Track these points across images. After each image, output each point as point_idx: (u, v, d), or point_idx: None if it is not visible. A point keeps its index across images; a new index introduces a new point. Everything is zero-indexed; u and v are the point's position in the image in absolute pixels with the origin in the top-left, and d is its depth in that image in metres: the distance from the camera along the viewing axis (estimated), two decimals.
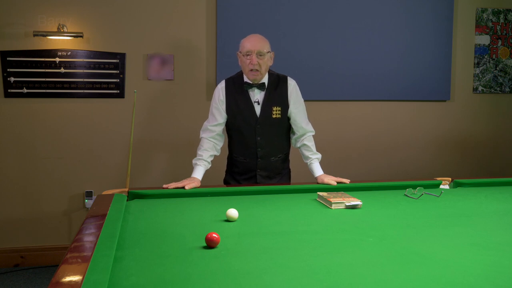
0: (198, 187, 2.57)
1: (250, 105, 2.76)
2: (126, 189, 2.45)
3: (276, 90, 2.78)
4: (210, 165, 2.79)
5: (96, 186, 3.91)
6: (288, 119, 2.84)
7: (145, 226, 1.89)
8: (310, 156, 2.86)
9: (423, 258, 1.52)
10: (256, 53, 2.66)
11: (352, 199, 2.24)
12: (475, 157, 4.50)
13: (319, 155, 2.89)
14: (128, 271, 1.39)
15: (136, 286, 1.30)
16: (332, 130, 4.23)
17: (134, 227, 1.87)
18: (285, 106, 2.79)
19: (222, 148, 2.90)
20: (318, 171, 2.81)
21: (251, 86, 2.75)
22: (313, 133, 2.93)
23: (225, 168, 3.04)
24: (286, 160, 2.97)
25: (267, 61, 2.73)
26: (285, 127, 2.86)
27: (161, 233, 1.80)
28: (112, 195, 2.32)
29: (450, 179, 2.77)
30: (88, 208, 3.87)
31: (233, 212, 1.97)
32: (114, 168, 3.91)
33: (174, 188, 2.52)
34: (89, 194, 3.90)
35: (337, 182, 2.68)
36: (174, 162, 4.01)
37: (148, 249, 1.61)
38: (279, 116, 2.77)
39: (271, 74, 2.81)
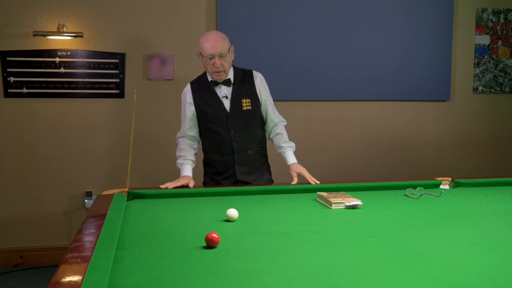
0: (200, 187, 2.58)
1: (218, 100, 2.74)
2: (126, 189, 2.45)
3: (243, 84, 2.77)
4: (194, 164, 2.81)
5: (96, 186, 3.91)
6: (260, 111, 2.83)
7: (145, 226, 1.89)
8: (282, 145, 2.85)
9: (423, 258, 1.52)
10: (218, 55, 2.61)
11: (352, 199, 2.23)
12: (475, 157, 4.50)
13: (292, 144, 2.87)
14: (128, 271, 1.39)
15: (136, 286, 1.29)
16: (332, 130, 4.23)
17: (134, 227, 1.87)
18: (254, 98, 2.78)
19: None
20: (290, 159, 2.80)
21: (216, 83, 2.73)
22: (285, 123, 2.93)
23: None
24: (263, 154, 2.93)
25: (230, 59, 2.69)
26: (257, 119, 2.83)
27: (161, 233, 1.80)
28: (112, 195, 2.32)
29: (450, 179, 2.77)
30: (88, 208, 3.87)
31: (233, 212, 1.96)
32: (114, 168, 3.91)
33: (174, 188, 2.52)
34: (89, 194, 3.90)
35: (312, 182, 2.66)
36: (174, 162, 4.00)
37: (148, 249, 1.60)
38: (250, 107, 2.75)
39: (236, 69, 2.80)
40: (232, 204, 2.16)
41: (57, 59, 3.72)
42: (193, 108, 2.78)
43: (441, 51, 4.28)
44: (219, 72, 2.65)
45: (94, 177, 3.92)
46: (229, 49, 2.66)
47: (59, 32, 3.65)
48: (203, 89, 2.76)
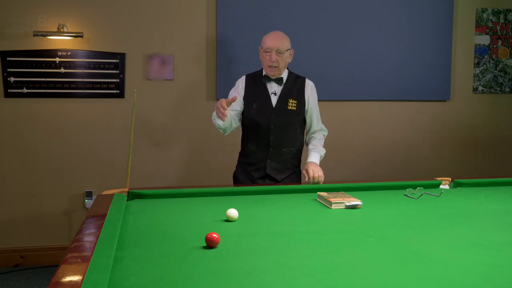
0: (200, 187, 2.58)
1: (267, 95, 2.88)
2: (126, 189, 2.45)
3: (294, 86, 2.93)
4: (230, 121, 2.80)
5: (96, 186, 3.91)
6: (304, 115, 2.96)
7: (145, 226, 1.89)
8: (309, 146, 2.94)
9: (423, 258, 1.52)
10: (276, 50, 2.81)
11: (352, 199, 2.24)
12: (475, 157, 4.50)
13: (320, 148, 2.92)
14: (128, 271, 1.39)
15: (136, 286, 1.30)
16: (332, 130, 4.20)
17: (134, 227, 1.87)
18: (301, 101, 2.91)
19: (234, 144, 2.94)
20: (309, 157, 2.85)
21: (269, 79, 2.89)
22: (325, 132, 3.04)
23: (234, 164, 3.08)
24: (297, 157, 2.99)
25: (286, 58, 2.87)
26: (299, 121, 2.94)
27: (161, 233, 1.80)
28: (112, 195, 2.32)
29: (450, 179, 2.77)
30: (88, 208, 3.87)
31: (233, 212, 1.97)
32: (114, 168, 3.91)
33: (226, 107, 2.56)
34: (89, 194, 3.90)
35: (314, 181, 2.68)
36: (174, 162, 4.01)
37: (148, 249, 1.61)
38: (294, 108, 2.89)
39: (291, 72, 2.96)
40: (232, 204, 2.16)
41: (57, 59, 3.72)
42: (242, 94, 2.91)
43: (441, 51, 4.28)
44: (273, 67, 2.81)
45: (94, 177, 3.91)
46: (287, 50, 2.86)
47: (59, 32, 3.65)
48: (256, 82, 2.93)
